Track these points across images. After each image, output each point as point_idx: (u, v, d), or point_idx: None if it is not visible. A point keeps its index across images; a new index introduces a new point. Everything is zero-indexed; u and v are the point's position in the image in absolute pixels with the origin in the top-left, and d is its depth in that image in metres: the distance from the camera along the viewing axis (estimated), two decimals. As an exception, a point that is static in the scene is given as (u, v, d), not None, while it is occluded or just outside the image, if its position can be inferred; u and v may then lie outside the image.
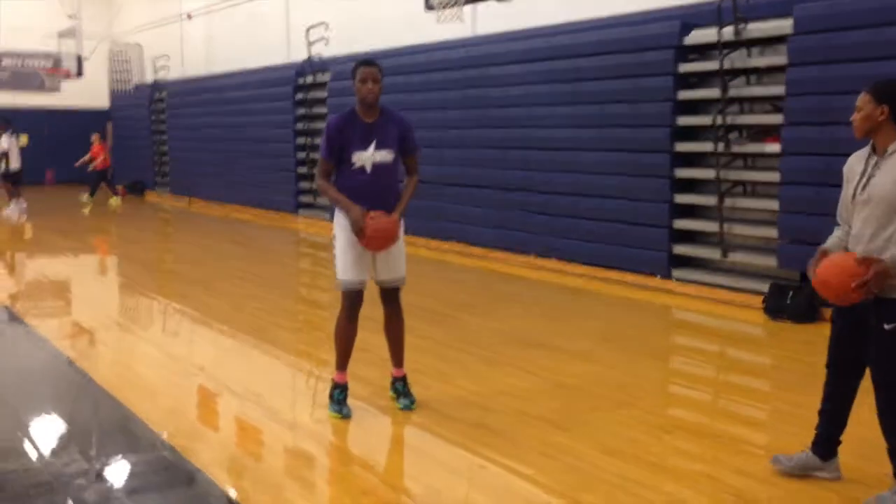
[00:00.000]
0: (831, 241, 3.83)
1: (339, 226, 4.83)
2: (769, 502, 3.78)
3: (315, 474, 4.37)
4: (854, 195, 3.66)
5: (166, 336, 7.53)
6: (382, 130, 4.80)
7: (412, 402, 5.04)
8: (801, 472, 3.91)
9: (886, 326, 3.52)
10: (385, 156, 4.81)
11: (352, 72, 4.79)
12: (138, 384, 5.78)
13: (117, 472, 4.30)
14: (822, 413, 3.93)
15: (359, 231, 4.67)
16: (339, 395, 4.93)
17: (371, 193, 4.77)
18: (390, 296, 5.06)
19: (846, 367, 3.79)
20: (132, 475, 4.26)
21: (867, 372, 3.72)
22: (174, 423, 4.92)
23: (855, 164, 3.72)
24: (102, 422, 5.12)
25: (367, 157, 4.77)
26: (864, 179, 3.62)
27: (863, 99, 3.61)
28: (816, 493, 3.85)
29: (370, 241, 4.70)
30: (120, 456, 4.50)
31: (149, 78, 21.22)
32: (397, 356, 5.16)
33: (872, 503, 3.65)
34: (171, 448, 4.48)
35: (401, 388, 5.11)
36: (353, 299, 4.87)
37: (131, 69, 22.79)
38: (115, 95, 23.01)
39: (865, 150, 3.69)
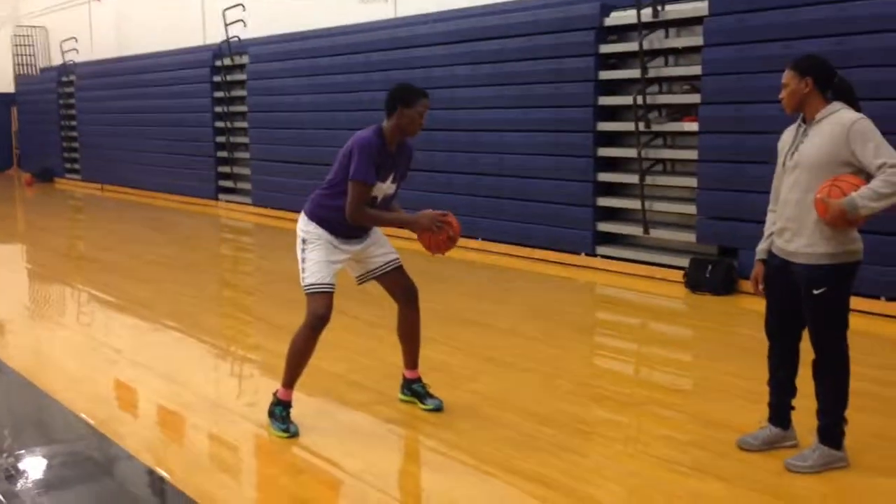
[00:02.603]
0: (762, 245, 3.94)
1: (315, 235, 4.41)
2: (694, 465, 3.89)
3: (249, 456, 4.30)
4: (784, 163, 3.78)
5: (85, 323, 7.29)
6: (399, 161, 4.47)
7: (440, 401, 4.68)
8: (768, 448, 3.96)
9: (815, 291, 3.65)
10: (393, 188, 4.51)
11: (405, 97, 4.28)
12: (58, 371, 5.59)
13: (38, 462, 4.15)
14: (772, 384, 4.00)
15: (435, 229, 4.35)
16: (282, 412, 4.44)
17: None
18: (403, 281, 4.70)
19: (785, 335, 3.89)
20: (54, 465, 4.12)
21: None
22: (98, 408, 4.78)
23: (786, 136, 3.86)
24: (20, 411, 4.93)
25: (384, 188, 4.41)
26: (794, 147, 3.74)
27: (787, 75, 3.72)
28: (743, 456, 3.98)
29: (450, 241, 4.40)
30: (41, 445, 4.34)
31: (56, 61, 20.44)
32: (412, 356, 4.78)
33: (794, 461, 3.79)
34: (94, 435, 4.35)
35: (421, 389, 4.74)
36: (327, 305, 4.35)
37: (36, 53, 21.93)
38: (19, 80, 22.09)
39: (797, 123, 3.81)
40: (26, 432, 4.57)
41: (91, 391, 5.14)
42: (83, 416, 4.63)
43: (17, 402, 5.10)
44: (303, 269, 4.42)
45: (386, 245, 4.75)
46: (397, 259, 4.73)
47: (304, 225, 4.46)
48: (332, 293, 4.40)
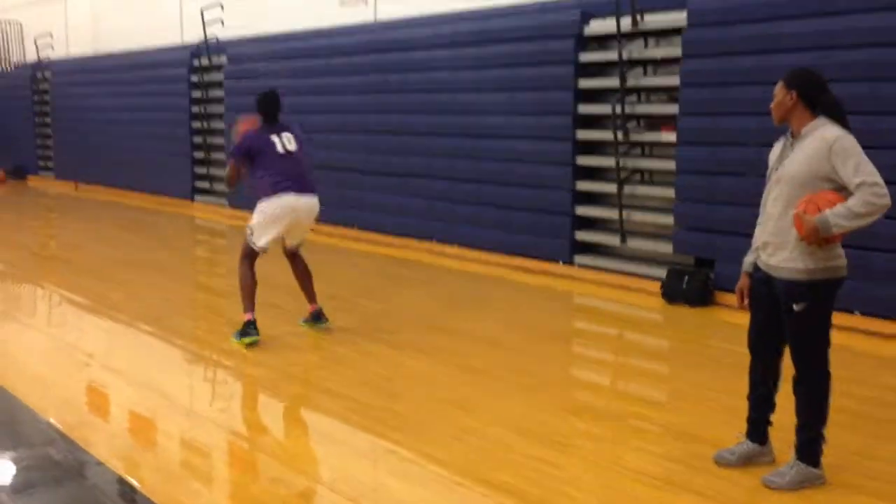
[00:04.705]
0: (748, 258, 3.94)
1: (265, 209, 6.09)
2: (669, 479, 3.88)
3: (220, 463, 4.24)
4: (769, 176, 3.79)
5: (55, 325, 7.17)
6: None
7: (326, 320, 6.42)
8: (745, 463, 3.94)
9: (795, 307, 3.65)
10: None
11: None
12: (27, 375, 5.48)
13: (4, 466, 4.06)
14: (752, 399, 3.98)
15: None
16: (250, 328, 6.02)
17: None
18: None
19: (767, 350, 3.88)
20: (20, 469, 4.03)
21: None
22: (67, 412, 4.69)
23: (775, 150, 3.86)
24: (-13, 415, 4.83)
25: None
26: (779, 161, 3.75)
27: (777, 87, 3.74)
28: (719, 471, 3.98)
29: None
30: (8, 450, 4.25)
31: (31, 57, 20.16)
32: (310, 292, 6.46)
33: (771, 477, 3.79)
34: (63, 440, 4.26)
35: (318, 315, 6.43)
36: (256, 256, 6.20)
37: (10, 47, 21.60)
38: (-8, 75, 21.75)
39: (785, 137, 3.82)
40: (-8, 437, 4.47)
41: (61, 395, 5.05)
42: (52, 420, 4.54)
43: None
44: None
45: None
46: None
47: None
48: None
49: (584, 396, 5.37)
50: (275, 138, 6.06)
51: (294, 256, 6.45)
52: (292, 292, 6.63)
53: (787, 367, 3.83)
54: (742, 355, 4.03)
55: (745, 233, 4.01)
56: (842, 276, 3.69)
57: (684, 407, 4.99)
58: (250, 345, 5.97)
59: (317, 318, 6.42)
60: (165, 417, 4.71)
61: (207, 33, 13.73)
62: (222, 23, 13.62)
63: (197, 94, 14.41)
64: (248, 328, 6.02)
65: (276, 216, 6.02)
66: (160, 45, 15.73)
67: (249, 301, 6.08)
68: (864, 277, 6.42)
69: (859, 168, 3.48)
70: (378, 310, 7.29)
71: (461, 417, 4.66)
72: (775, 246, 3.71)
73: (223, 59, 13.76)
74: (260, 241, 6.06)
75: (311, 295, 6.45)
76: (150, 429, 4.61)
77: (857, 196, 3.45)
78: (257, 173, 6.07)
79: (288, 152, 6.07)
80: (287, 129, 6.21)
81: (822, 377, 3.73)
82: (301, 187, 6.05)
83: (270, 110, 6.17)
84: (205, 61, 14.09)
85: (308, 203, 6.11)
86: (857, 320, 6.50)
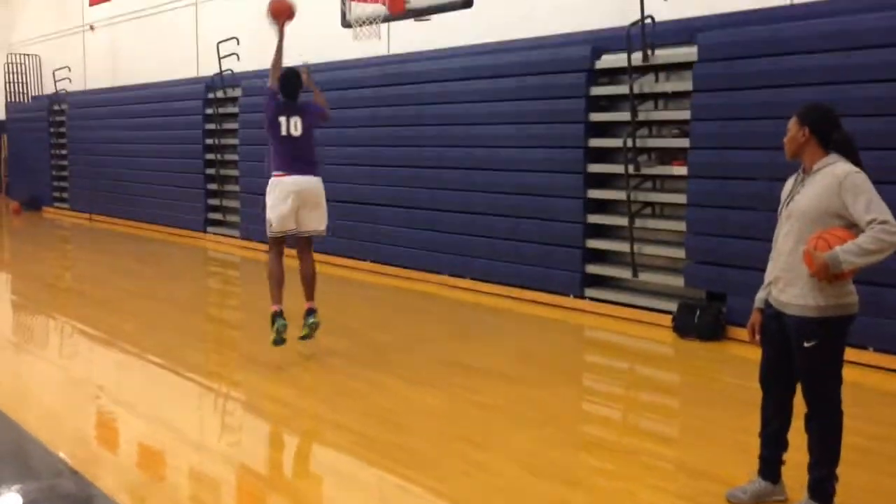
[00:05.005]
0: (760, 293, 3.92)
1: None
2: (684, 516, 3.83)
3: (229, 498, 4.22)
4: (780, 211, 3.79)
5: (67, 357, 7.19)
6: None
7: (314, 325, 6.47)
8: (757, 502, 3.89)
9: (806, 344, 3.62)
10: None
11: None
12: (37, 407, 5.49)
13: (13, 500, 4.05)
14: (764, 436, 3.94)
15: None
16: (274, 319, 6.28)
17: None
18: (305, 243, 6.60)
19: (778, 387, 3.85)
20: (28, 503, 4.02)
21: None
22: (76, 446, 4.69)
23: (787, 185, 3.86)
24: (-3, 448, 4.83)
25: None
26: (790, 197, 3.75)
27: (791, 122, 3.75)
28: (729, 506, 3.93)
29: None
30: (16, 482, 4.25)
31: (48, 90, 20.44)
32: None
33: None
34: (72, 473, 4.26)
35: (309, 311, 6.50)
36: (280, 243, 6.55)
37: (29, 80, 21.93)
38: (10, 107, 22.07)
39: (797, 172, 3.82)
40: (2, 469, 4.46)
41: (70, 428, 5.05)
42: (61, 454, 4.54)
43: (-6, 439, 5.00)
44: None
45: None
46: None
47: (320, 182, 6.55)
48: None
49: (596, 431, 5.33)
50: (283, 119, 6.46)
51: (303, 254, 6.59)
52: (300, 321, 6.61)
53: (800, 405, 3.79)
54: (754, 391, 4.00)
55: (757, 267, 3.99)
56: (853, 312, 3.66)
57: (697, 443, 4.94)
58: (277, 341, 6.25)
59: (308, 313, 6.55)
60: (175, 451, 4.70)
61: (222, 66, 13.89)
62: (237, 56, 13.78)
63: (211, 126, 14.55)
64: (273, 320, 6.35)
65: (278, 199, 6.38)
66: (176, 77, 15.93)
67: (273, 292, 6.46)
68: (877, 314, 6.38)
69: (870, 205, 3.47)
70: (390, 342, 7.28)
71: (470, 452, 4.62)
72: (786, 281, 3.69)
73: (238, 92, 13.90)
74: (270, 227, 6.45)
75: (308, 294, 6.61)
76: (159, 462, 4.60)
77: (867, 233, 3.43)
78: (269, 143, 6.61)
79: (290, 136, 6.44)
80: (301, 110, 6.56)
81: (834, 415, 3.69)
82: (299, 170, 6.40)
83: (286, 89, 6.55)
84: (219, 94, 14.24)
85: (308, 181, 6.44)
86: (870, 356, 6.44)
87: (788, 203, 3.74)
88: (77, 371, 6.57)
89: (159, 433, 4.96)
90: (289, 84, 6.56)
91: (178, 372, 6.34)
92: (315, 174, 6.49)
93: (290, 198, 6.35)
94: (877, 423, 5.22)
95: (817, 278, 3.52)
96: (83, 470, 4.29)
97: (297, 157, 6.43)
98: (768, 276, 3.87)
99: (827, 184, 3.58)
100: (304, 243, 6.60)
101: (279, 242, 6.54)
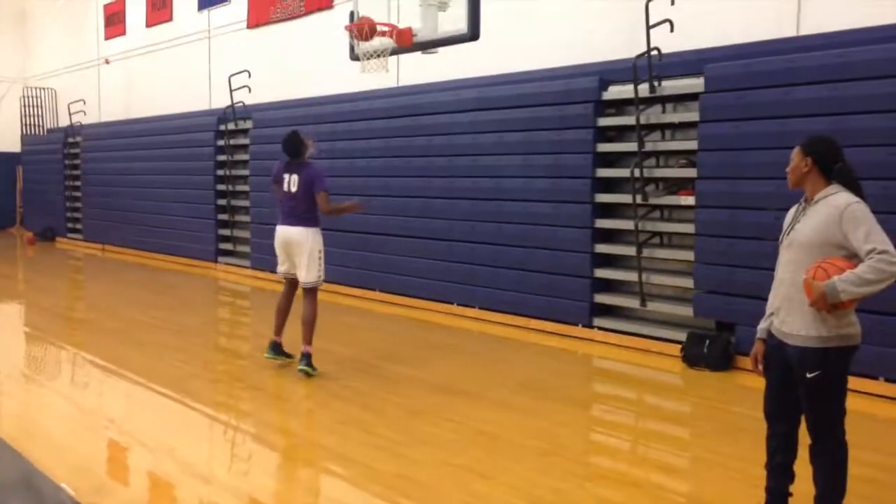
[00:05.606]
0: (762, 324, 3.93)
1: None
2: (691, 549, 3.80)
3: (232, 530, 4.21)
4: (781, 241, 3.79)
5: (76, 388, 7.22)
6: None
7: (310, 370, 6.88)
8: None
9: (809, 375, 3.60)
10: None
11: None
12: (45, 438, 5.51)
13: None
14: (769, 469, 3.90)
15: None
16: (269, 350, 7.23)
17: None
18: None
19: (782, 418, 3.82)
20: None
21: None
22: (82, 479, 4.70)
23: (789, 214, 3.87)
24: (3, 478, 4.84)
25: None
26: (791, 226, 3.76)
27: (794, 152, 3.78)
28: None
29: None
30: (23, 515, 4.26)
31: (63, 122, 20.69)
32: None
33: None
34: (78, 505, 4.26)
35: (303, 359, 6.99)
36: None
37: (44, 113, 22.22)
38: (26, 140, 22.35)
39: (799, 202, 3.83)
40: (9, 500, 4.47)
41: (78, 460, 5.06)
42: (65, 486, 4.55)
43: (1, 470, 5.01)
44: (318, 268, 7.04)
45: None
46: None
47: (316, 235, 7.07)
48: None
49: (602, 462, 5.29)
50: (286, 175, 7.13)
51: (303, 297, 7.16)
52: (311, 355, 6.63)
53: (805, 435, 3.76)
54: (764, 422, 3.97)
55: (766, 297, 3.99)
56: (855, 343, 3.64)
57: (705, 475, 4.90)
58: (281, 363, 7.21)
59: (301, 357, 6.99)
60: (182, 483, 4.70)
61: (234, 99, 14.05)
62: (249, 89, 13.95)
63: (222, 157, 14.68)
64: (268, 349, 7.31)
65: (276, 245, 7.25)
66: (188, 110, 16.11)
67: (274, 322, 7.32)
68: (887, 344, 6.34)
69: (870, 235, 3.47)
70: (396, 372, 7.27)
71: (474, 483, 4.61)
72: (787, 311, 3.69)
73: (249, 124, 14.05)
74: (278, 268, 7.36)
75: (303, 337, 7.03)
76: (167, 495, 4.60)
77: (866, 263, 3.43)
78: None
79: (289, 192, 7.07)
80: (301, 169, 7.09)
81: (838, 449, 3.66)
82: (285, 221, 7.12)
83: (287, 149, 7.19)
84: (231, 126, 14.39)
85: (288, 231, 7.10)
86: (880, 386, 6.39)
87: (790, 232, 3.75)
88: (86, 403, 6.59)
89: (167, 465, 4.96)
90: (287, 144, 7.19)
91: (187, 403, 6.35)
92: (298, 225, 7.05)
93: (279, 246, 7.21)
94: (886, 454, 5.17)
95: (816, 308, 3.52)
96: (90, 502, 4.29)
97: (290, 210, 7.09)
98: (770, 305, 3.86)
99: (828, 214, 3.59)
100: (303, 289, 7.17)
101: (286, 281, 7.34)
